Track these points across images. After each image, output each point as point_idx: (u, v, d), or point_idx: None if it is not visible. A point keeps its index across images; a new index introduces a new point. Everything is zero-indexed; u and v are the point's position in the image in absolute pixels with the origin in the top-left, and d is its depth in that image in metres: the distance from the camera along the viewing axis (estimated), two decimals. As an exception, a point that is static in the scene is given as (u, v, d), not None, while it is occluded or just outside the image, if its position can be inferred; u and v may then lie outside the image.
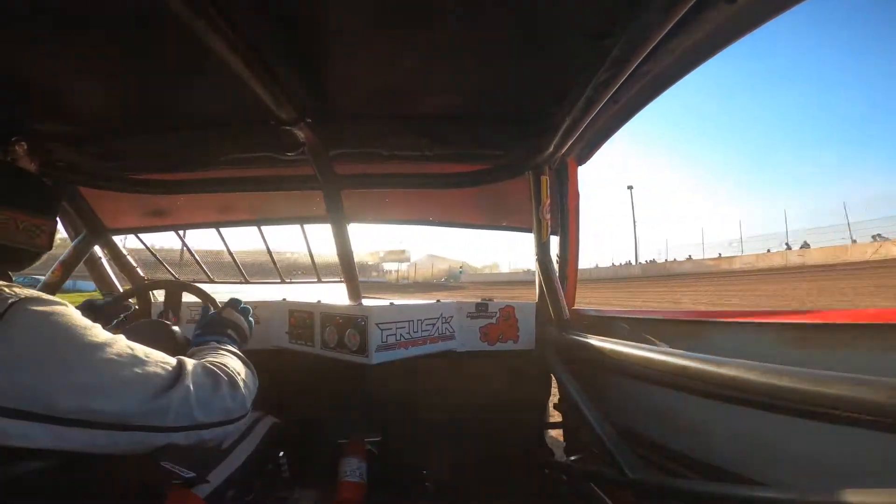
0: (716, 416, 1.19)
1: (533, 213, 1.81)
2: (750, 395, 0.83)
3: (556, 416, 2.10)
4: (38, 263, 0.92)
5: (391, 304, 1.66)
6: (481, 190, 1.90)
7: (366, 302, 1.91)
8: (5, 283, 0.67)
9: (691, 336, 1.39)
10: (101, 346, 0.66)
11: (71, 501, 0.69)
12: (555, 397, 2.04)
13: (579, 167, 1.88)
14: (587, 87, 1.14)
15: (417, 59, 1.20)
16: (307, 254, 2.49)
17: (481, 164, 1.81)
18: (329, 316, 1.69)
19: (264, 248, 2.47)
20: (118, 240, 2.37)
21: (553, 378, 1.91)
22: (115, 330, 1.12)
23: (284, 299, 1.96)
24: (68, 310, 0.68)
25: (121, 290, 2.32)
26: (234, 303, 1.20)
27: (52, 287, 2.06)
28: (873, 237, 25.97)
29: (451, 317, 1.82)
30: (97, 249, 2.28)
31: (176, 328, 1.25)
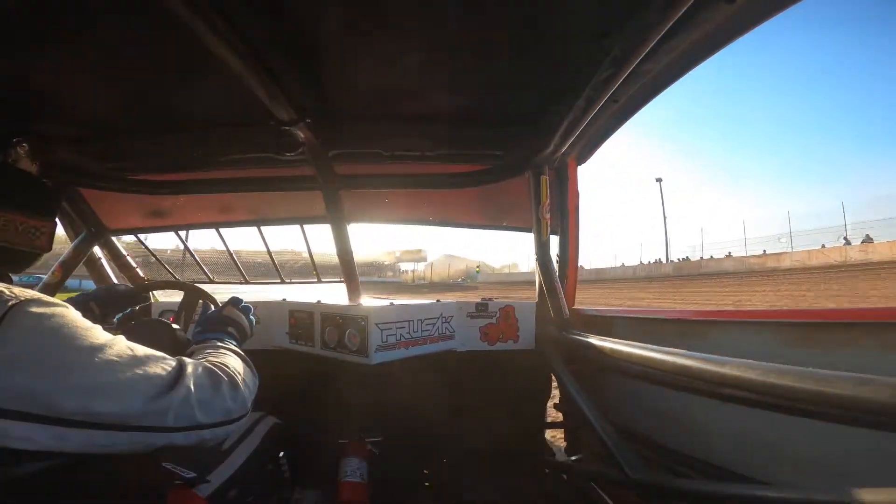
0: (717, 416, 1.19)
1: (533, 213, 1.81)
2: (751, 394, 0.83)
3: (556, 416, 2.10)
4: (38, 264, 0.92)
5: (391, 303, 1.66)
6: (481, 190, 1.90)
7: (366, 302, 1.92)
8: (5, 284, 0.67)
9: (692, 335, 1.39)
10: (101, 347, 0.66)
11: (72, 502, 0.70)
12: (555, 397, 2.04)
13: (579, 167, 1.88)
14: (587, 86, 1.15)
15: (417, 60, 1.20)
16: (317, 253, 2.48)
17: (481, 163, 1.82)
18: (329, 316, 1.69)
19: (274, 247, 2.47)
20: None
21: (553, 378, 1.91)
22: (115, 330, 1.13)
23: (284, 299, 1.96)
24: (68, 311, 0.68)
25: None
26: (234, 301, 1.19)
27: (53, 288, 2.06)
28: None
29: (452, 317, 1.82)
30: (97, 250, 2.28)
31: (176, 326, 1.24)
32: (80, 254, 2.15)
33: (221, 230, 2.42)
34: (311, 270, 2.60)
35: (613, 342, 1.35)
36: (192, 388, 0.73)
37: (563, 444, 2.09)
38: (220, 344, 0.97)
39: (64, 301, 0.71)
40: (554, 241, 1.89)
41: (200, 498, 1.11)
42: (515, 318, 1.90)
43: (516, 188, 1.87)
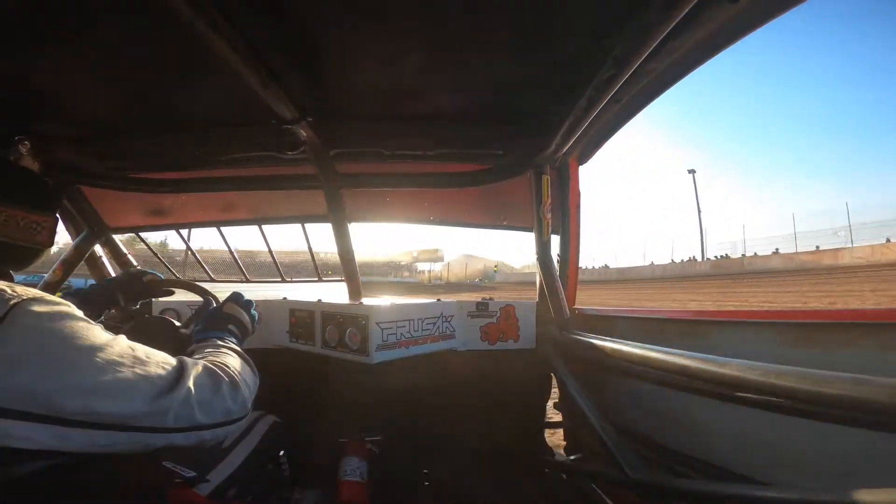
0: (717, 416, 1.19)
1: (534, 213, 1.81)
2: (751, 394, 0.83)
3: (556, 416, 2.10)
4: (39, 261, 0.92)
5: (392, 303, 1.66)
6: (482, 189, 1.90)
7: (366, 301, 1.92)
8: (6, 283, 0.67)
9: (692, 335, 1.39)
10: (102, 347, 0.66)
11: (72, 501, 0.70)
12: (555, 397, 2.04)
13: (580, 166, 1.88)
14: (588, 86, 1.14)
15: (418, 59, 1.20)
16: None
17: (482, 163, 1.82)
18: (330, 315, 1.69)
19: (284, 247, 2.47)
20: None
21: (553, 377, 1.91)
22: (116, 329, 1.13)
23: (285, 298, 1.96)
24: (70, 310, 0.68)
25: None
26: (235, 297, 1.19)
27: (53, 286, 2.07)
28: None
29: (452, 316, 1.82)
30: (98, 248, 2.28)
31: (178, 324, 1.24)
32: (81, 252, 2.16)
33: (223, 229, 2.42)
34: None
35: (614, 342, 1.35)
36: (193, 388, 0.73)
37: (562, 443, 2.09)
38: (220, 343, 0.97)
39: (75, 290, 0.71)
40: (555, 241, 1.90)
41: (201, 497, 1.11)
42: (516, 318, 1.90)
43: (517, 188, 1.87)
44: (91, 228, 2.15)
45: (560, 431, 2.16)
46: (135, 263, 2.40)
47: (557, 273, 1.85)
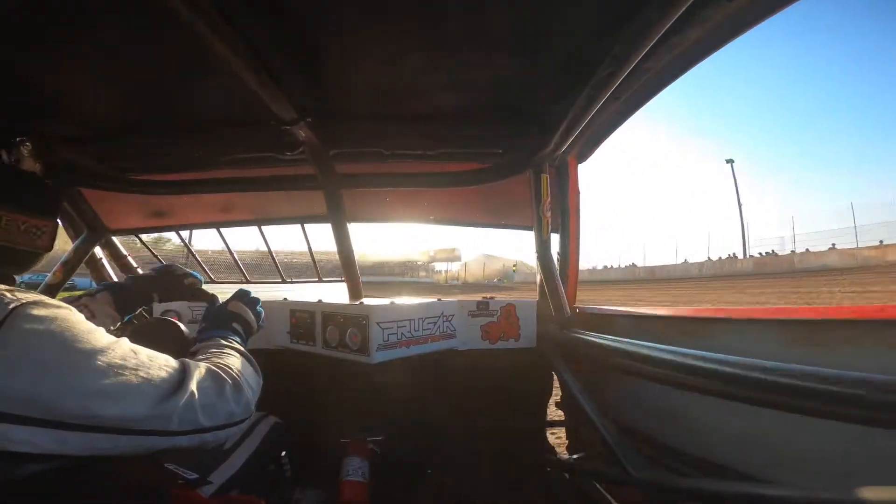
0: (719, 414, 1.19)
1: (533, 211, 1.80)
2: (753, 392, 0.83)
3: (557, 415, 2.10)
4: (40, 264, 0.92)
5: (392, 302, 1.66)
6: (482, 188, 1.90)
7: (367, 301, 1.91)
8: (6, 287, 0.67)
9: (694, 334, 1.38)
10: (103, 350, 0.66)
11: (74, 502, 0.70)
12: (556, 396, 2.04)
13: (580, 165, 1.88)
14: (587, 84, 1.14)
15: (417, 58, 1.20)
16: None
17: (482, 162, 1.81)
18: (330, 315, 1.69)
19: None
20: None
21: (555, 376, 1.91)
22: (119, 331, 1.12)
23: (285, 298, 1.96)
24: (70, 313, 0.68)
25: None
26: (241, 294, 1.17)
27: (54, 288, 2.07)
28: None
29: (452, 315, 1.81)
30: (98, 250, 2.28)
31: (182, 326, 1.24)
32: (81, 254, 2.16)
33: (222, 230, 2.42)
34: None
35: (615, 340, 1.35)
36: (196, 391, 0.72)
37: (564, 442, 2.09)
38: (224, 342, 0.96)
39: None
40: (555, 242, 1.89)
41: (203, 498, 1.11)
42: (516, 317, 1.90)
43: (517, 186, 1.87)
44: (91, 230, 2.15)
45: (561, 430, 2.16)
46: (134, 265, 2.40)
47: (558, 271, 1.85)
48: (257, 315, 1.17)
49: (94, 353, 0.65)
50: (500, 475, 1.92)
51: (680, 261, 37.28)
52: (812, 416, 0.73)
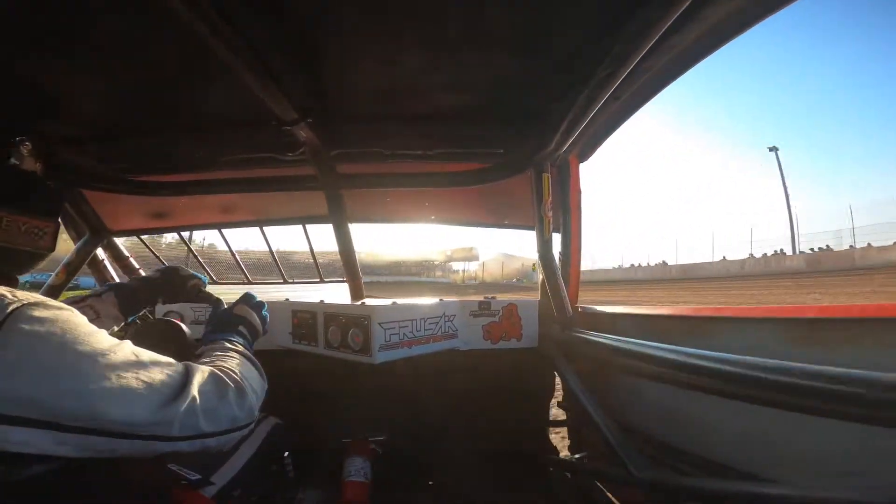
0: (721, 414, 1.19)
1: (535, 211, 1.80)
2: (756, 391, 0.83)
3: (559, 415, 2.10)
4: (41, 264, 0.93)
5: (394, 303, 1.66)
6: (483, 188, 1.90)
7: (369, 301, 1.92)
8: (7, 288, 0.66)
9: (696, 333, 1.38)
10: (104, 353, 0.65)
11: (76, 503, 0.70)
12: (558, 396, 2.04)
13: (581, 164, 1.88)
14: (588, 84, 1.14)
15: (418, 59, 1.20)
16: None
17: (483, 162, 1.81)
18: (332, 316, 1.69)
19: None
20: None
21: (556, 376, 1.91)
22: (121, 333, 1.12)
23: (287, 299, 1.96)
24: (72, 315, 0.67)
25: None
26: (247, 298, 1.17)
27: (57, 290, 2.07)
28: None
29: (454, 315, 1.81)
30: (100, 251, 2.29)
31: (185, 327, 1.24)
32: (83, 255, 2.16)
33: (224, 231, 2.43)
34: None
35: (617, 340, 1.35)
36: (198, 396, 0.72)
37: (566, 442, 2.09)
38: (228, 345, 0.96)
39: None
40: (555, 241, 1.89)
41: (206, 498, 1.11)
42: (518, 317, 1.90)
43: (518, 186, 1.87)
44: (93, 232, 2.15)
45: (564, 430, 2.16)
46: (136, 266, 2.41)
47: (559, 271, 1.85)
48: (263, 319, 1.17)
49: (95, 355, 0.64)
50: (502, 475, 1.92)
51: (717, 258, 33.91)
52: (813, 415, 0.73)
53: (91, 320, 0.71)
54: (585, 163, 1.88)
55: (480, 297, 1.90)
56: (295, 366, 1.88)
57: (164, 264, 2.58)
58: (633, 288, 27.07)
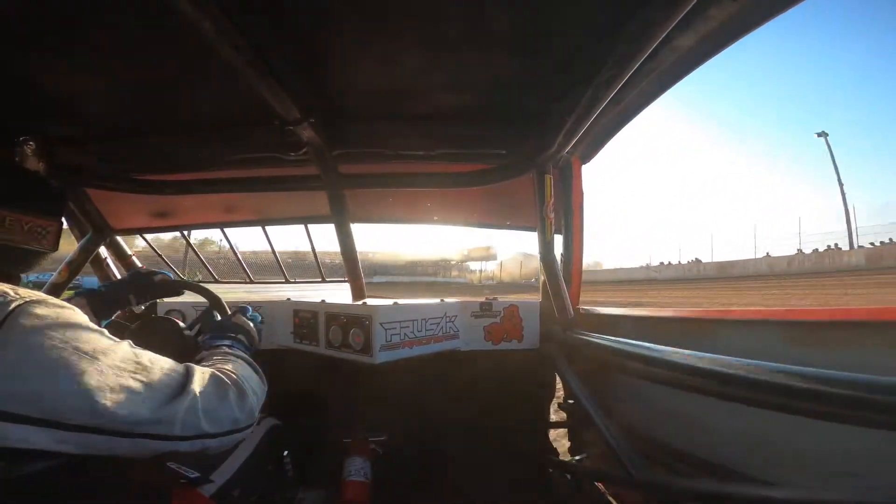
0: (722, 416, 1.19)
1: (537, 212, 1.80)
2: (756, 394, 0.83)
3: (560, 416, 2.10)
4: (44, 263, 0.93)
5: (395, 303, 1.66)
6: (485, 189, 1.90)
7: (370, 301, 1.92)
8: (10, 285, 0.67)
9: (697, 335, 1.38)
10: (105, 352, 0.65)
11: (77, 501, 0.70)
12: (559, 397, 2.04)
13: (584, 165, 1.88)
14: (590, 85, 1.14)
15: (421, 59, 1.20)
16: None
17: (485, 163, 1.81)
18: (333, 315, 1.69)
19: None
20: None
21: (557, 377, 1.91)
22: (123, 328, 1.13)
23: (289, 299, 1.96)
24: (73, 313, 0.67)
25: None
26: (243, 310, 1.20)
27: (59, 288, 2.08)
28: None
29: (455, 316, 1.81)
30: (102, 250, 2.30)
31: (182, 324, 1.25)
32: (86, 254, 2.17)
33: (226, 230, 2.43)
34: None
35: (618, 342, 1.35)
36: (199, 397, 0.72)
37: (567, 443, 2.09)
38: (228, 350, 0.97)
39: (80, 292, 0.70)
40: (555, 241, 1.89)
41: (205, 497, 1.11)
42: (520, 318, 1.90)
43: (520, 187, 1.87)
44: (95, 230, 2.16)
45: (564, 432, 2.15)
46: (139, 265, 2.42)
47: (561, 273, 1.85)
48: (259, 331, 1.19)
49: (96, 354, 0.64)
50: (502, 475, 1.92)
51: (761, 254, 29.88)
52: (814, 419, 0.73)
53: None
54: (588, 164, 1.88)
55: (482, 298, 1.90)
56: (296, 365, 1.88)
57: (167, 264, 2.60)
58: (643, 289, 25.17)
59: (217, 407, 0.75)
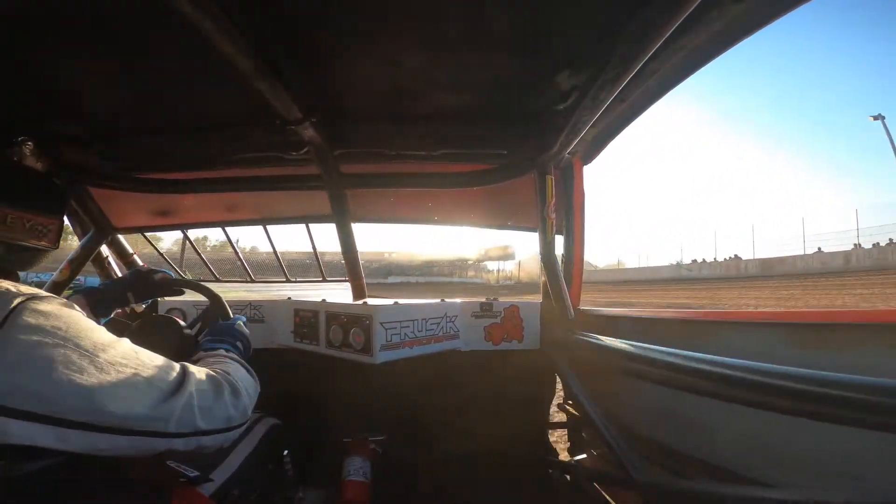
0: (722, 417, 1.19)
1: (538, 213, 1.80)
2: (757, 395, 0.83)
3: (560, 416, 2.10)
4: (45, 261, 0.93)
5: (395, 303, 1.66)
6: (486, 189, 1.90)
7: (370, 301, 1.92)
8: (11, 282, 0.67)
9: (699, 336, 1.38)
10: (104, 349, 0.66)
11: (77, 499, 0.70)
12: (559, 397, 2.04)
13: (585, 166, 1.88)
14: (592, 85, 1.14)
15: (422, 59, 1.20)
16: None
17: (486, 163, 1.81)
18: (334, 315, 1.69)
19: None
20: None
21: (557, 378, 1.91)
22: (124, 326, 1.13)
23: (289, 298, 1.96)
24: (73, 311, 0.68)
25: None
26: (239, 321, 1.23)
27: (60, 286, 2.09)
28: None
29: (456, 316, 1.81)
30: (104, 248, 2.30)
31: (182, 323, 1.26)
32: (87, 252, 2.18)
33: (228, 229, 2.44)
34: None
35: (619, 343, 1.34)
36: (195, 394, 0.73)
37: (566, 444, 2.09)
38: (225, 354, 0.99)
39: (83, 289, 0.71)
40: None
41: (205, 496, 1.12)
42: (520, 318, 1.90)
43: (521, 187, 1.87)
44: (97, 229, 2.17)
45: (564, 432, 2.15)
46: (141, 263, 2.42)
47: (562, 273, 1.85)
48: (250, 344, 1.21)
49: (96, 351, 0.65)
50: (502, 476, 1.92)
51: (812, 250, 27.32)
52: (815, 420, 0.73)
53: None
54: (589, 165, 1.88)
55: (482, 299, 1.90)
56: (296, 365, 1.88)
57: (169, 263, 2.60)
58: (694, 290, 23.18)
59: (212, 404, 0.76)
